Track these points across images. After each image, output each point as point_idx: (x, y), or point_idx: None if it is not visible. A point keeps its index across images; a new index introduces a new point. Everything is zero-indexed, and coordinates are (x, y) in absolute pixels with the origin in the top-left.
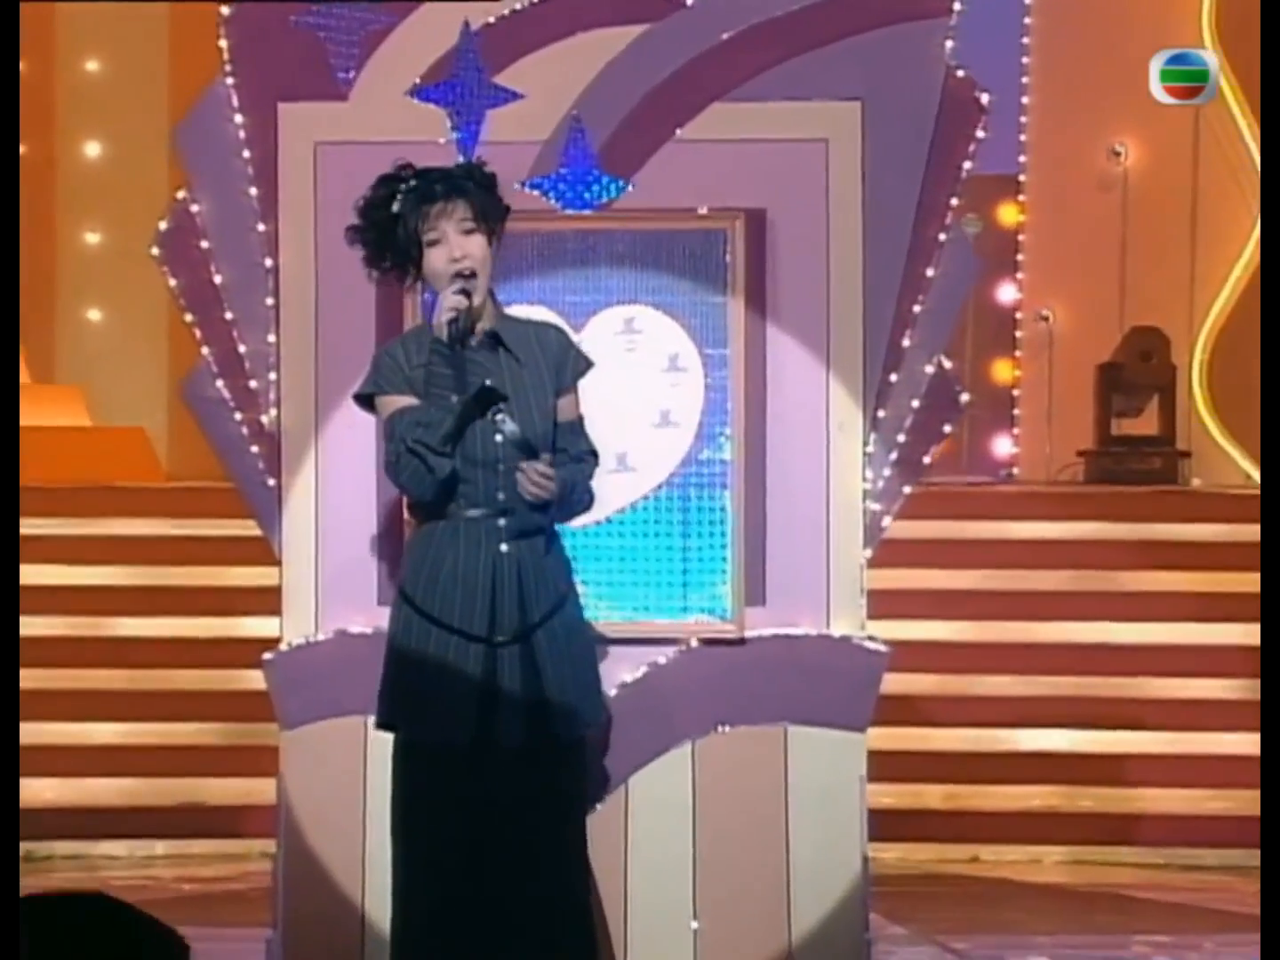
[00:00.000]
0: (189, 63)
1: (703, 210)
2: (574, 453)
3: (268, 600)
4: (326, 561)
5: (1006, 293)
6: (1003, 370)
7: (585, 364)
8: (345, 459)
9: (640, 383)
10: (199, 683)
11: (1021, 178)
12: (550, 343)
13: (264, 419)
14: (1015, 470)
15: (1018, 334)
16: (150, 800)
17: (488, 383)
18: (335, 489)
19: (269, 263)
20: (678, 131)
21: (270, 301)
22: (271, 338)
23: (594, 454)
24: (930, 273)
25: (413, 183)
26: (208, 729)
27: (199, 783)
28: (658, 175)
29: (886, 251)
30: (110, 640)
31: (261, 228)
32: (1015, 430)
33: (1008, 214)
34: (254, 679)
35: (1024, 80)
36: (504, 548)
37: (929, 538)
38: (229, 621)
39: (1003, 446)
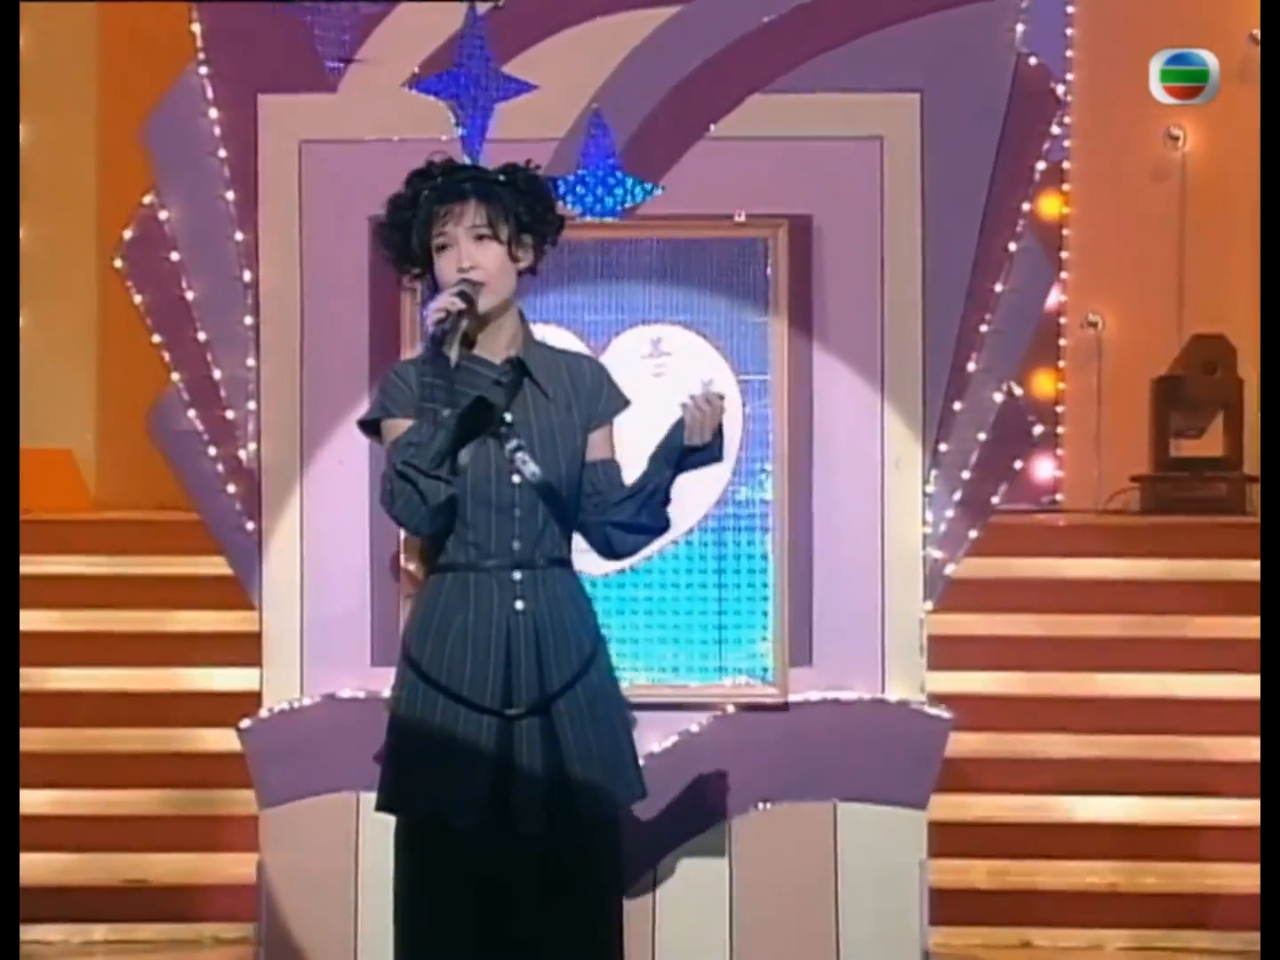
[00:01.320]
0: (121, 38)
1: (740, 217)
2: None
3: (218, 648)
4: (313, 616)
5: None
6: (1044, 383)
7: (621, 402)
8: (334, 499)
9: (668, 412)
10: (141, 743)
11: (1066, 165)
12: (584, 376)
13: (242, 454)
14: (1059, 497)
15: (1061, 342)
16: (88, 878)
17: (507, 417)
18: (323, 533)
19: (247, 277)
20: (711, 128)
21: (249, 321)
22: (251, 362)
23: None
24: (999, 288)
25: (439, 179)
26: (152, 797)
27: (143, 858)
28: (689, 177)
29: (949, 263)
30: (37, 695)
31: (239, 237)
32: (1059, 451)
33: (1050, 205)
34: (203, 739)
35: (1068, 54)
36: (519, 605)
37: (963, 576)
38: (173, 673)
39: (1044, 470)
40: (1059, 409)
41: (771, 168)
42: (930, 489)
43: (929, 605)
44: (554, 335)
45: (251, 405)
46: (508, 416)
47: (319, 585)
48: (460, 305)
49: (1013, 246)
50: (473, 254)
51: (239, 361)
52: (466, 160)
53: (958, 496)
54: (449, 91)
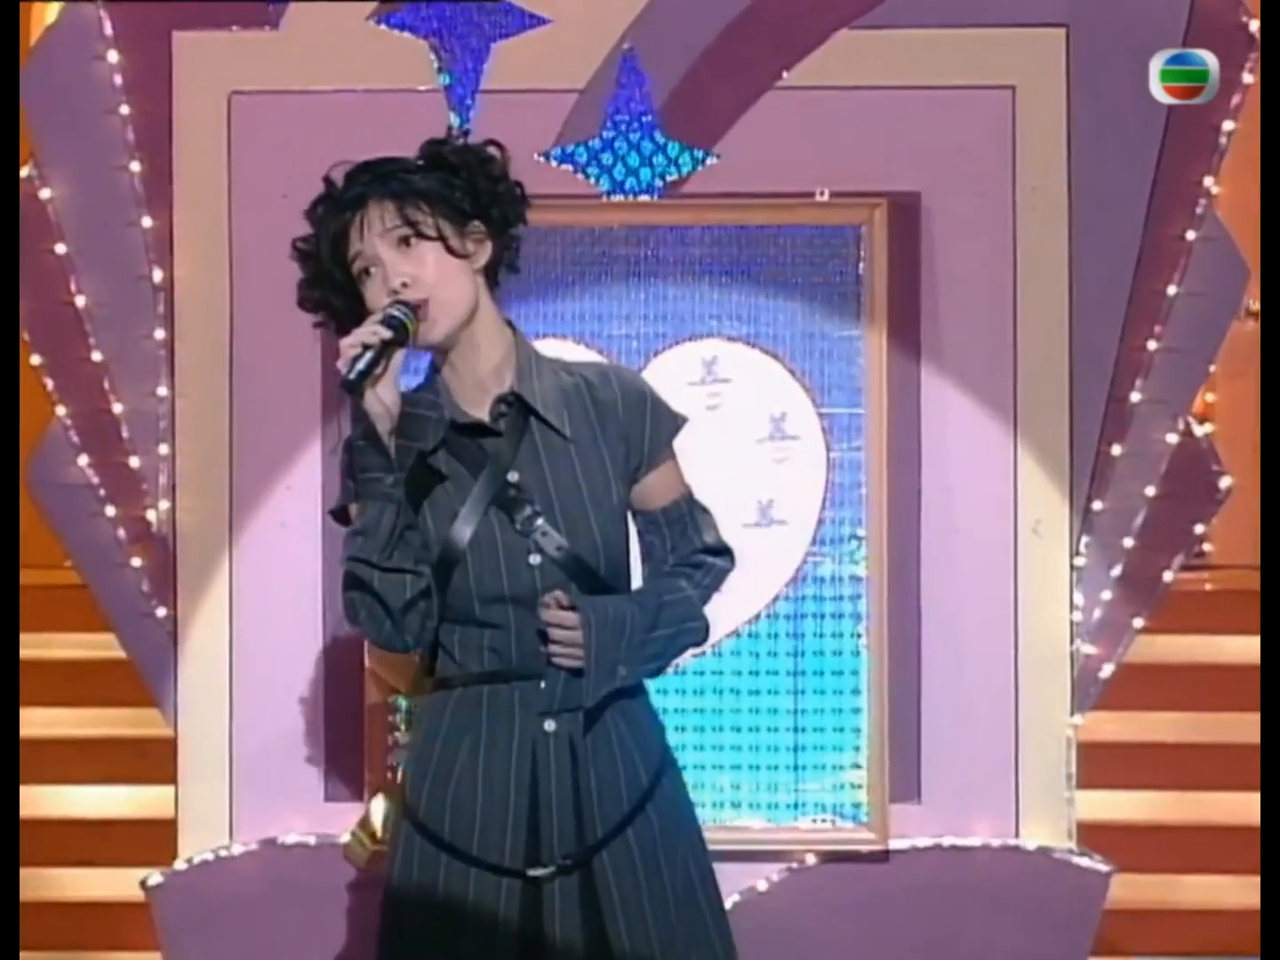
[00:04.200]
0: None
1: (823, 195)
2: (676, 560)
3: (79, 760)
4: (246, 733)
5: None
6: None
7: (674, 422)
8: (274, 576)
9: (728, 458)
10: None
11: None
12: (613, 400)
13: (150, 515)
14: (1207, 548)
15: None
16: None
17: (511, 477)
18: (259, 622)
19: (158, 276)
20: (784, 75)
21: (160, 335)
22: (162, 391)
23: (717, 551)
24: (1172, 291)
25: (338, 190)
26: None
27: None
28: (754, 143)
29: (1104, 258)
30: None
31: (147, 223)
32: None
33: None
34: (58, 883)
35: None
36: (549, 726)
37: None
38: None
39: None
40: (1207, 429)
41: (866, 129)
42: (1081, 562)
43: (1078, 719)
44: (571, 354)
45: (164, 449)
46: (512, 475)
47: (256, 691)
48: (385, 335)
49: (1191, 235)
50: (399, 265)
51: (147, 389)
52: (454, 118)
53: (1117, 572)
54: (428, 27)
